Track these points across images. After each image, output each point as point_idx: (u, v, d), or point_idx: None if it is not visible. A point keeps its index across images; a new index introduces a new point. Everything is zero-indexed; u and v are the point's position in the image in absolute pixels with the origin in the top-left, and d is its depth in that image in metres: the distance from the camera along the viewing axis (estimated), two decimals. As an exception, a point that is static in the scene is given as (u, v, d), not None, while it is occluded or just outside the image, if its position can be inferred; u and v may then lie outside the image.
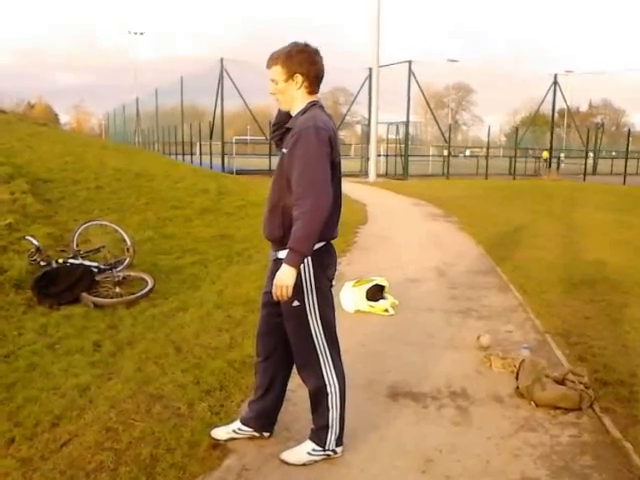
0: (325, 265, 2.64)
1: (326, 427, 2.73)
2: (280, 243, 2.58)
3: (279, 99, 2.58)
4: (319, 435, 2.75)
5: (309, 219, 2.35)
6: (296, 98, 2.53)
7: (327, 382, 2.69)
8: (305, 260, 2.50)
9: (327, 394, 2.69)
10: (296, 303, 2.59)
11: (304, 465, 2.73)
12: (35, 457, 2.76)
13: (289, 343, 2.75)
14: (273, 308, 2.72)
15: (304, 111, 2.53)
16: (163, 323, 4.70)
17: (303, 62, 2.47)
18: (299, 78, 2.49)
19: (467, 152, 39.31)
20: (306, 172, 2.39)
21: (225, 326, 4.61)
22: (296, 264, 2.40)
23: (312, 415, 2.79)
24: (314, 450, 2.75)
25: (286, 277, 2.40)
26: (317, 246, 2.54)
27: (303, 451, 2.76)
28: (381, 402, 3.44)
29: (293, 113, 2.59)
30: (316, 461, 2.76)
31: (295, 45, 2.50)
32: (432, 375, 3.83)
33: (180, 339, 4.34)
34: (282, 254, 2.54)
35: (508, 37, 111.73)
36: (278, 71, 2.51)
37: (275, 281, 2.44)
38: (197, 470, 2.68)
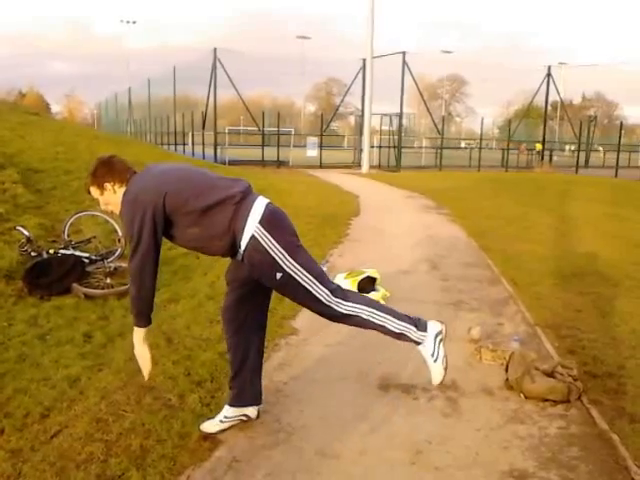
0: (276, 222, 2.63)
1: (403, 335, 2.77)
2: (236, 245, 2.62)
3: (109, 209, 2.86)
4: (416, 342, 2.80)
5: (130, 283, 2.81)
6: (118, 199, 2.74)
7: (355, 313, 2.69)
8: (257, 231, 2.54)
9: (366, 320, 2.71)
10: (279, 275, 2.59)
11: (442, 367, 2.80)
12: (25, 448, 2.76)
13: (255, 312, 2.90)
14: (239, 282, 2.84)
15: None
16: (154, 314, 4.66)
17: (104, 173, 2.77)
18: (108, 185, 2.77)
19: (462, 144, 39.12)
20: (129, 241, 2.67)
21: (216, 317, 4.59)
22: (135, 323, 2.85)
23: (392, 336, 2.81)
24: (432, 354, 2.80)
25: (135, 343, 2.86)
26: (257, 215, 2.56)
27: (430, 362, 2.82)
28: (372, 394, 3.46)
29: None
30: (445, 357, 2.82)
31: (93, 166, 2.82)
32: (423, 367, 3.81)
33: (171, 330, 4.33)
34: (242, 244, 2.58)
35: (502, 29, 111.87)
36: (93, 190, 2.83)
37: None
38: (187, 461, 2.69)
